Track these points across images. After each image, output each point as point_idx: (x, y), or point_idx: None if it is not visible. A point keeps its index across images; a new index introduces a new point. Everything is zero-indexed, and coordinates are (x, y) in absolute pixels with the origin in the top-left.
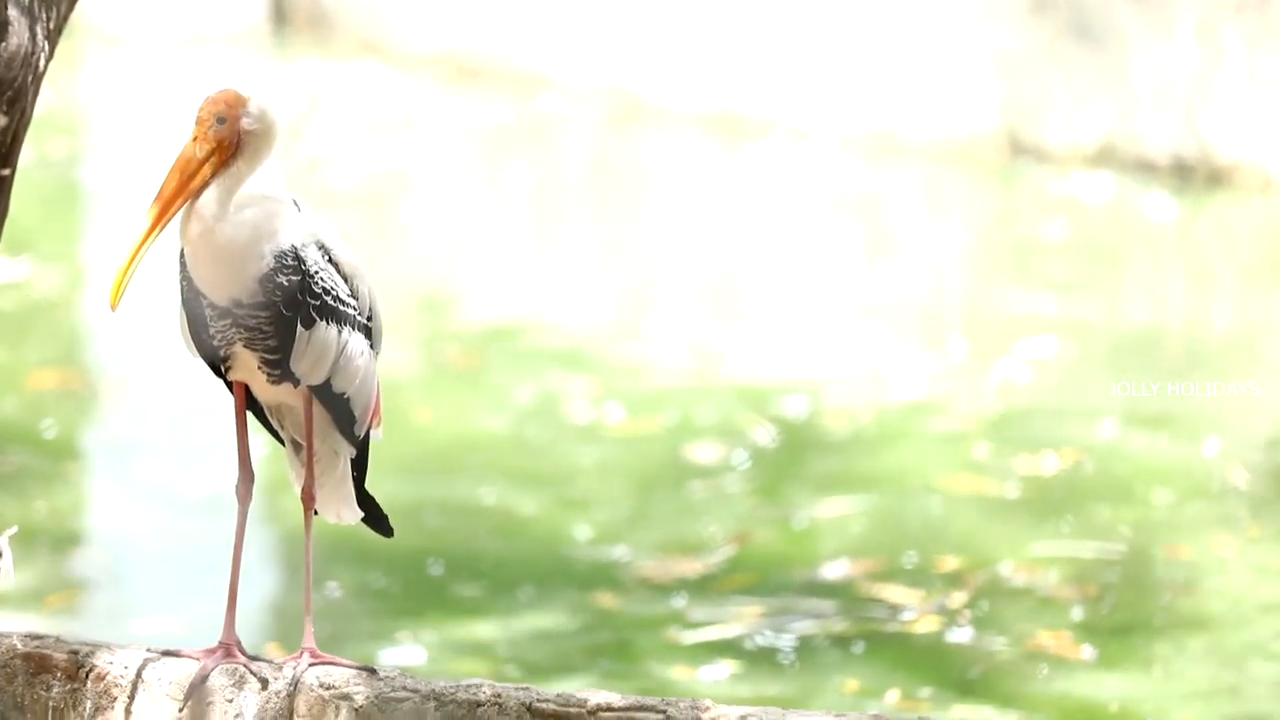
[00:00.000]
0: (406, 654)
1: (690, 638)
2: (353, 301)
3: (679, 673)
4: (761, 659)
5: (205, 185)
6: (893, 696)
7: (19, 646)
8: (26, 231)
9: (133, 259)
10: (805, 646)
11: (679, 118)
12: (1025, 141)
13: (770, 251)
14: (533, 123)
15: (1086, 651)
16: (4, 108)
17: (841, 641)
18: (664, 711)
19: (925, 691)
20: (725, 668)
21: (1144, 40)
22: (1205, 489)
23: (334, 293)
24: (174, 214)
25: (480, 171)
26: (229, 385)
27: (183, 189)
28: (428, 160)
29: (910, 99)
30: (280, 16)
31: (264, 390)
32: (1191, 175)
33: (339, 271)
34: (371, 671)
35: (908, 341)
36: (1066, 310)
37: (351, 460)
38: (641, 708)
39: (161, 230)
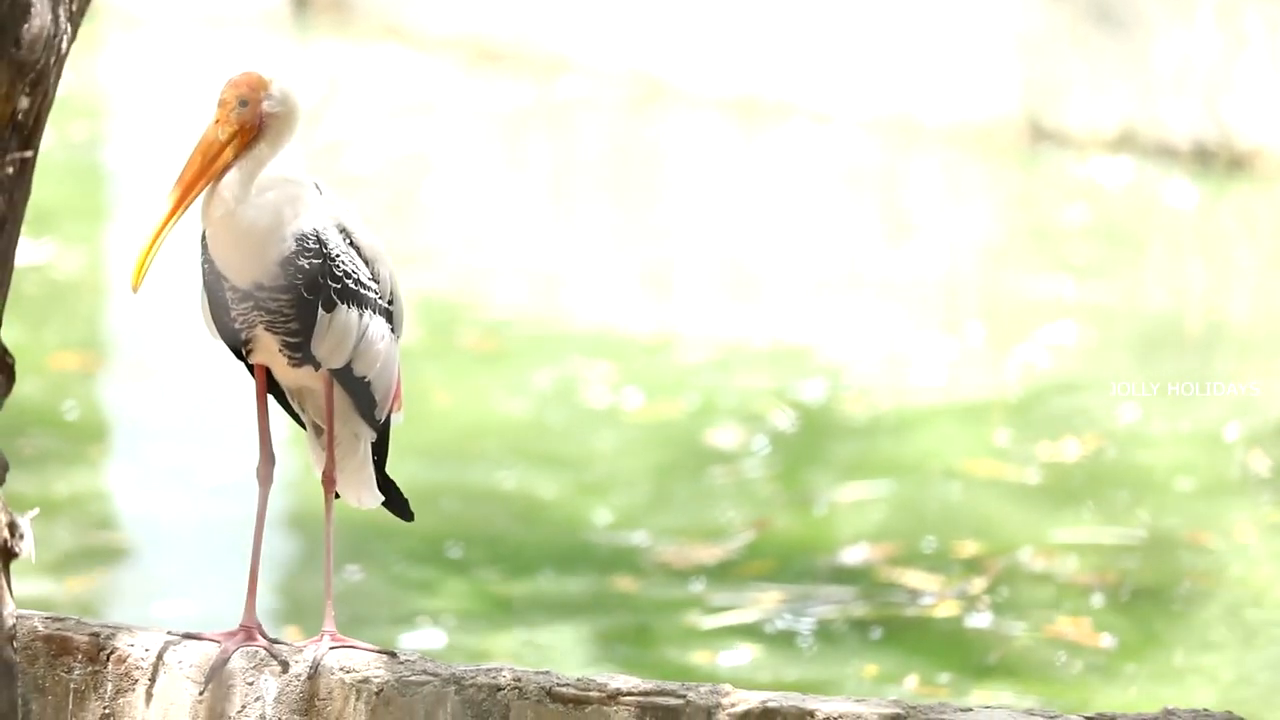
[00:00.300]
0: (426, 637)
1: (710, 623)
2: (374, 285)
3: (699, 657)
4: (781, 644)
5: (227, 168)
6: (911, 682)
7: (40, 628)
8: (49, 214)
9: (154, 241)
10: (824, 631)
11: (699, 101)
12: (1046, 126)
13: (790, 235)
14: (553, 106)
15: (1106, 638)
16: (26, 89)
17: (861, 626)
18: (684, 696)
19: (944, 677)
20: (745, 652)
21: (1165, 24)
22: (1227, 476)
23: (355, 276)
24: (196, 197)
25: (501, 155)
26: (250, 368)
27: (205, 172)
28: (448, 143)
29: (931, 83)
30: None
31: (285, 373)
32: (1213, 160)
33: (360, 255)
34: (392, 655)
35: (927, 326)
36: (1086, 295)
37: (372, 444)
38: (661, 692)
39: (183, 213)
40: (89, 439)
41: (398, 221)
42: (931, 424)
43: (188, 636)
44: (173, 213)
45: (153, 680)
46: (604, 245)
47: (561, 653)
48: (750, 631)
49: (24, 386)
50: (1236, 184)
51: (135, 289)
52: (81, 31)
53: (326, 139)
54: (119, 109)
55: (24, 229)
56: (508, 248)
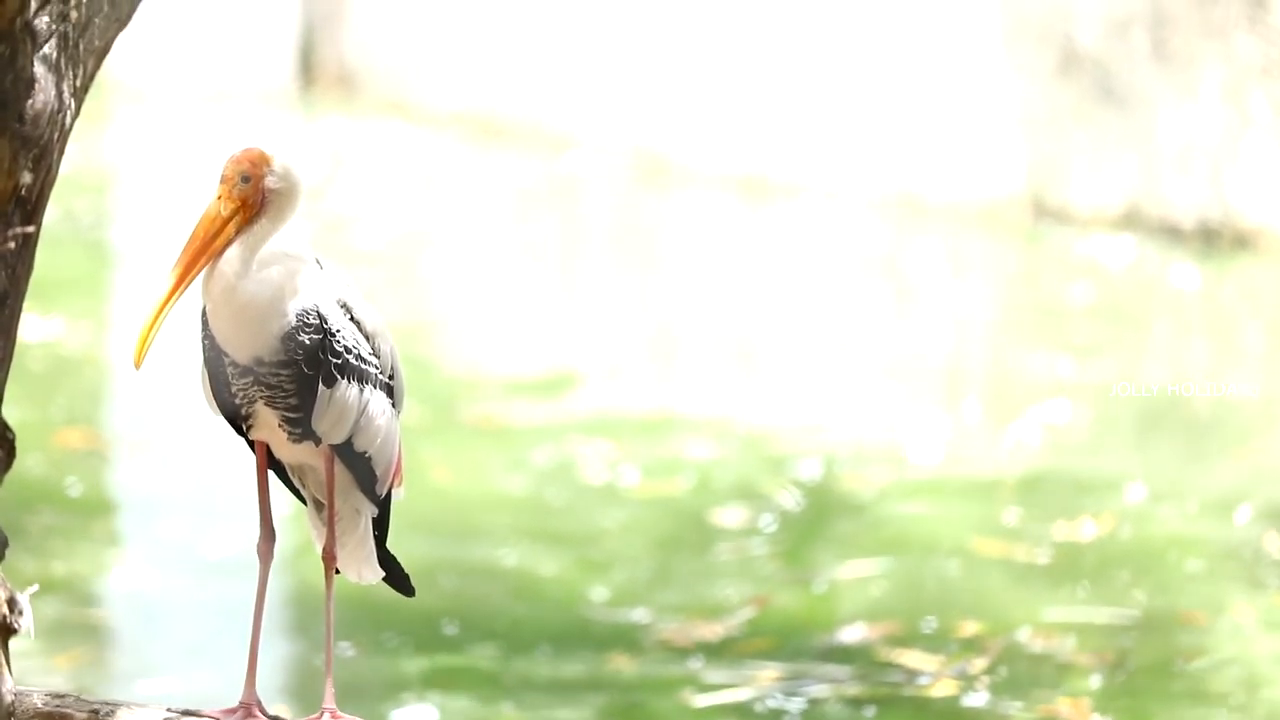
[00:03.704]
0: (420, 714)
1: (703, 701)
2: (375, 360)
3: None
4: None
5: (229, 244)
6: None
7: (39, 705)
8: (55, 290)
9: (156, 318)
10: (816, 710)
11: (705, 179)
12: (1049, 204)
13: (794, 313)
14: (558, 182)
15: (1100, 719)
16: (30, 165)
17: (854, 705)
18: None
19: None
20: None
21: (1170, 103)
22: (1237, 557)
23: (356, 351)
24: (198, 273)
25: (505, 231)
26: (250, 444)
27: (206, 247)
28: (452, 219)
29: (936, 161)
30: (306, 75)
31: (285, 449)
32: (1217, 239)
33: (361, 330)
34: None
35: (930, 403)
36: (1087, 374)
37: (373, 519)
38: None
39: (185, 289)
40: (92, 515)
41: (401, 297)
42: (930, 502)
43: (187, 714)
44: (175, 289)
45: None
46: (607, 322)
47: None
48: (742, 709)
49: (28, 463)
50: (1241, 262)
51: (138, 365)
52: (86, 106)
53: (331, 214)
54: (124, 184)
55: (32, 305)
56: (510, 324)
